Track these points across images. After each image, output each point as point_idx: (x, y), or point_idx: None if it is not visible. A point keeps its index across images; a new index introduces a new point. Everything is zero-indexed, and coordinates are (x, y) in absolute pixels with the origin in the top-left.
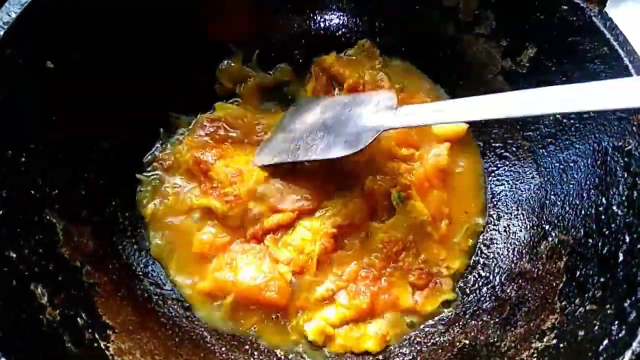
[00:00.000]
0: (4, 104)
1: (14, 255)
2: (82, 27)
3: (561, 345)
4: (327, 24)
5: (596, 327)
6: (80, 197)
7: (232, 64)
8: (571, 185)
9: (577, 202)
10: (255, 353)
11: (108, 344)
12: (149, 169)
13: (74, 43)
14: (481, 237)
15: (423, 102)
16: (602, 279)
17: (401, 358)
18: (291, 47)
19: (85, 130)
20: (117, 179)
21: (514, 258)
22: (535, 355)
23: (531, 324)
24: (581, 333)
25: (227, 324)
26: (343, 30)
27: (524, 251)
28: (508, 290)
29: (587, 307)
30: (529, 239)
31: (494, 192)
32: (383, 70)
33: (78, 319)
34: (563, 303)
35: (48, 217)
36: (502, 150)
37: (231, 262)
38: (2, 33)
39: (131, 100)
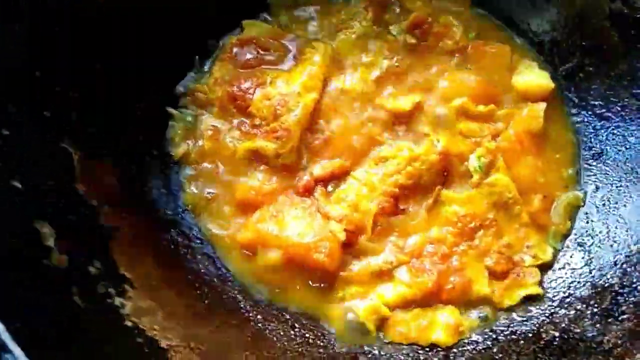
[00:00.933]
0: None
1: (19, 186)
2: None
3: None
4: None
5: None
6: (102, 127)
7: None
8: None
9: None
10: (297, 325)
11: (124, 301)
12: (181, 102)
13: None
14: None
15: (498, 50)
16: None
17: (473, 347)
18: None
19: (111, 48)
20: (146, 111)
21: (617, 238)
22: None
23: None
24: None
25: (264, 285)
26: None
27: (629, 230)
28: (609, 276)
29: None
30: (637, 215)
31: (591, 158)
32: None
33: (90, 268)
34: None
35: (64, 146)
36: (604, 110)
37: (277, 215)
38: None
39: (164, 19)
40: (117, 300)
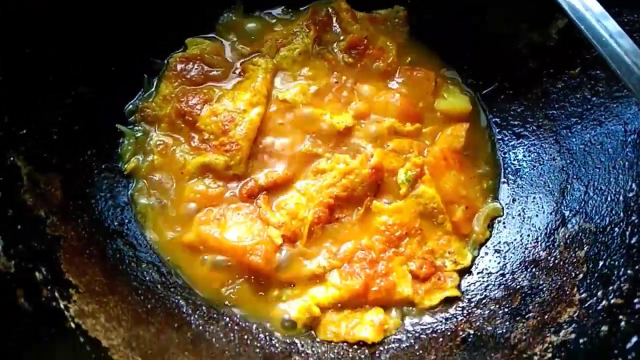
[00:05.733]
0: None
1: None
2: None
3: (581, 340)
4: None
5: (623, 323)
6: (52, 142)
7: (234, 18)
8: (597, 169)
9: (603, 188)
10: (235, 327)
11: (68, 304)
12: (131, 119)
13: None
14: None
15: (424, 75)
16: (629, 271)
17: (397, 345)
18: None
19: (64, 69)
20: (96, 128)
21: (528, 245)
22: (550, 349)
23: (546, 316)
24: (604, 328)
25: (204, 286)
26: None
27: (539, 238)
28: (520, 279)
29: (612, 301)
30: (546, 225)
31: (509, 173)
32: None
33: (36, 273)
34: (583, 295)
35: (12, 159)
36: (521, 129)
37: (220, 218)
38: None
39: (115, 43)
40: (62, 304)
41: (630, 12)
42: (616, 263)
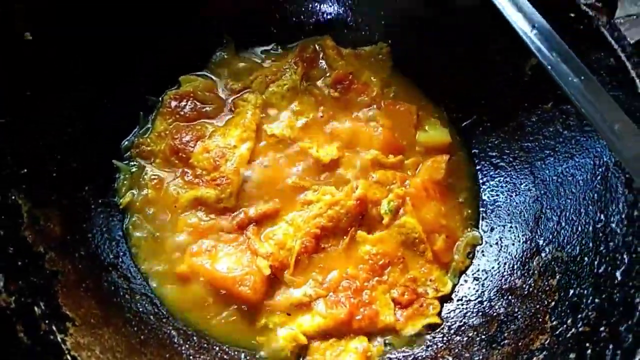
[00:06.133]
0: None
1: None
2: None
3: None
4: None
5: (589, 351)
6: (51, 179)
7: (226, 56)
8: (568, 200)
9: (574, 218)
10: (226, 357)
11: (65, 337)
12: (127, 154)
13: (56, 15)
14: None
15: (407, 108)
16: (597, 300)
17: None
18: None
19: (61, 109)
20: (92, 164)
21: (505, 273)
22: None
23: (519, 343)
24: (572, 356)
25: (194, 315)
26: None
27: (515, 266)
28: (497, 307)
29: (580, 329)
30: (522, 253)
31: (488, 203)
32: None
33: (35, 308)
34: (554, 323)
35: (13, 197)
36: (498, 160)
37: (211, 250)
38: None
39: (111, 81)
40: (59, 337)
41: (596, 51)
42: (585, 292)
